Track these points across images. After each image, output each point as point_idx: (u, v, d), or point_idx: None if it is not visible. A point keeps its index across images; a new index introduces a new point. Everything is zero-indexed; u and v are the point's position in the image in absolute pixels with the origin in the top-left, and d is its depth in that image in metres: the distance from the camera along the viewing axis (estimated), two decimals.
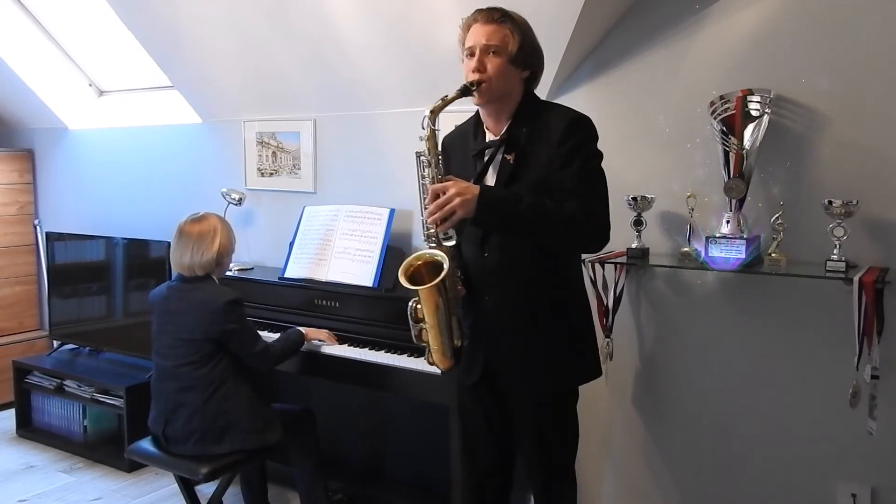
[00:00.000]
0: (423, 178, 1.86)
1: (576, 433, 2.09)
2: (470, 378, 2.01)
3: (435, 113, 1.86)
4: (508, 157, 1.90)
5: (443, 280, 1.79)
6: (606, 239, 1.89)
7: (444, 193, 1.77)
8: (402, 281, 1.84)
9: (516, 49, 1.89)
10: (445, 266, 1.79)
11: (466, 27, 1.93)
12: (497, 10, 1.90)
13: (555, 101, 2.07)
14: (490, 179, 1.94)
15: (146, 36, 3.46)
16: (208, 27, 3.23)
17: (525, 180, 1.88)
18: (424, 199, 1.85)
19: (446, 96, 1.86)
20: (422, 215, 1.86)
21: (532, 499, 2.17)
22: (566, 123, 1.89)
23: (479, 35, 1.88)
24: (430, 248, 1.85)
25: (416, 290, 1.83)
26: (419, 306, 1.85)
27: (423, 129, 1.84)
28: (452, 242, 1.86)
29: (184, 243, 2.56)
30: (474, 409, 2.10)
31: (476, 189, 1.79)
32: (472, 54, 1.89)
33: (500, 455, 2.12)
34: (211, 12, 3.15)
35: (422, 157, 1.87)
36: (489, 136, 1.97)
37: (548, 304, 1.95)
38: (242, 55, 3.29)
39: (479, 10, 1.92)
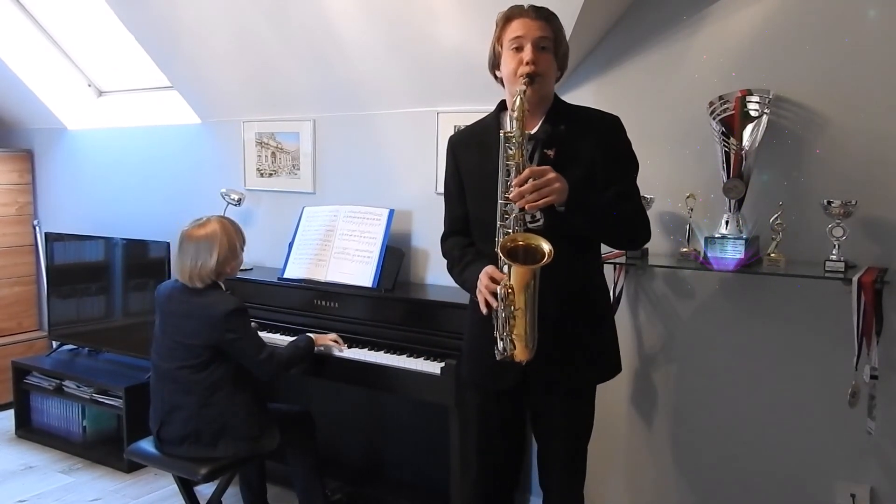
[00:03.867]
0: (509, 158, 1.82)
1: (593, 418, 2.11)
2: (503, 383, 1.96)
3: (525, 94, 1.82)
4: (549, 152, 1.90)
5: (544, 265, 1.75)
6: (650, 237, 2.04)
7: (543, 177, 1.77)
8: (501, 254, 1.78)
9: (562, 49, 1.94)
10: (547, 250, 1.75)
11: (506, 21, 1.91)
12: (544, 9, 1.92)
13: (564, 100, 2.08)
14: None
15: (145, 36, 3.46)
16: (207, 27, 3.23)
17: (567, 176, 1.85)
18: (507, 180, 1.81)
19: (524, 88, 1.82)
20: (500, 198, 1.82)
21: (535, 499, 2.17)
22: (611, 123, 1.96)
23: (532, 29, 1.87)
24: (516, 230, 1.80)
25: (514, 266, 1.77)
26: (510, 290, 1.77)
27: (515, 110, 1.80)
28: (540, 223, 1.84)
29: (183, 251, 2.51)
30: (492, 411, 2.08)
31: (565, 180, 1.80)
32: (520, 47, 1.87)
33: (511, 457, 2.11)
34: (210, 12, 3.15)
35: (510, 138, 1.81)
36: None
37: (586, 296, 1.97)
38: (242, 55, 3.29)
39: (522, 7, 1.92)
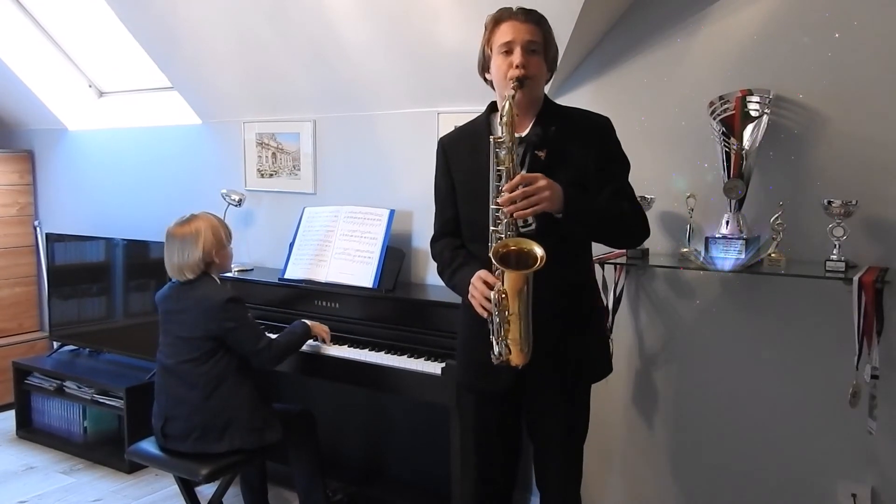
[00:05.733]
0: (499, 164, 1.81)
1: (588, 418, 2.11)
2: (498, 385, 1.95)
3: (515, 98, 1.81)
4: (539, 153, 1.89)
5: (537, 269, 1.73)
6: (649, 234, 2.04)
7: (533, 184, 1.75)
8: (494, 260, 1.77)
9: (551, 52, 1.94)
10: (539, 255, 1.73)
11: (495, 24, 1.90)
12: (534, 12, 1.91)
13: (555, 102, 2.08)
14: None
15: (146, 37, 3.46)
16: (208, 28, 3.23)
17: (558, 177, 1.85)
18: (498, 185, 1.80)
19: (513, 93, 1.81)
20: (492, 203, 1.82)
21: (535, 499, 2.17)
22: (601, 124, 1.97)
23: (522, 32, 1.86)
24: (508, 235, 1.79)
25: (507, 272, 1.76)
26: (504, 295, 1.77)
27: (504, 115, 1.79)
28: (531, 229, 1.83)
29: (170, 247, 2.59)
30: (488, 412, 2.08)
31: (560, 187, 1.79)
32: (509, 51, 1.86)
33: (507, 456, 2.11)
34: (211, 13, 3.15)
35: (501, 143, 1.81)
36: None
37: (578, 296, 1.97)
38: (242, 56, 3.29)
39: (511, 9, 1.90)
